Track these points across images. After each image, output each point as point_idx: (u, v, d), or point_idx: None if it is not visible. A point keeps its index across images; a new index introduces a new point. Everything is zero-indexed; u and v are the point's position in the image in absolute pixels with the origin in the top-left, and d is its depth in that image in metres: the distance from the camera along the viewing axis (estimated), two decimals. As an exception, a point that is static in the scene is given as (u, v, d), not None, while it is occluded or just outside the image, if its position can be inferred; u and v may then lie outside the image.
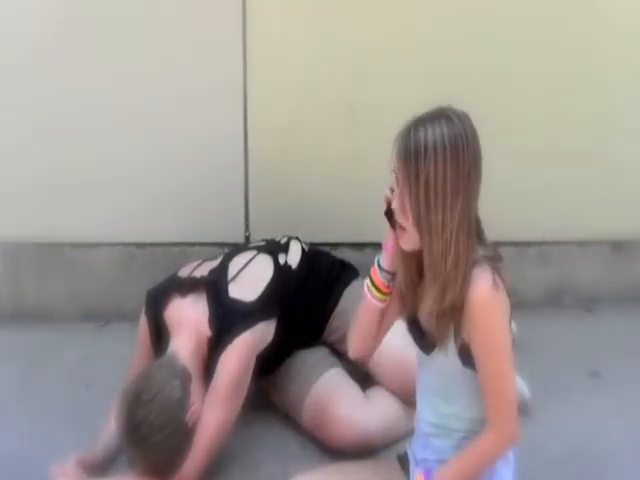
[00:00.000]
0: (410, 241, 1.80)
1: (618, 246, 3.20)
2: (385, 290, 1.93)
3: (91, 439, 2.42)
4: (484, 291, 1.75)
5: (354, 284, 2.65)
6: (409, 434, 2.17)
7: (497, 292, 1.76)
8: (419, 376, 1.97)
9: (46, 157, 3.00)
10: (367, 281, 1.95)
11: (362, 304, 1.98)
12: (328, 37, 2.92)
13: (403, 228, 1.80)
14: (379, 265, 1.93)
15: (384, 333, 2.01)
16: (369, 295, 1.95)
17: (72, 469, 2.32)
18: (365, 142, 3.00)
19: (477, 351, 1.78)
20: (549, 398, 2.61)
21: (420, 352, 1.92)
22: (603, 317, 3.13)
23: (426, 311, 1.81)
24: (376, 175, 2.98)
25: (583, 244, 3.18)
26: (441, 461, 1.93)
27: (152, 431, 2.19)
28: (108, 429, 2.39)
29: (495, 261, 1.79)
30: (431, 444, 1.95)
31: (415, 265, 1.84)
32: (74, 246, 3.10)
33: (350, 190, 3.05)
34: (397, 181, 1.78)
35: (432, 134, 1.73)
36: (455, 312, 1.77)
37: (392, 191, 1.82)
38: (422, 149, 1.72)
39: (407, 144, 1.75)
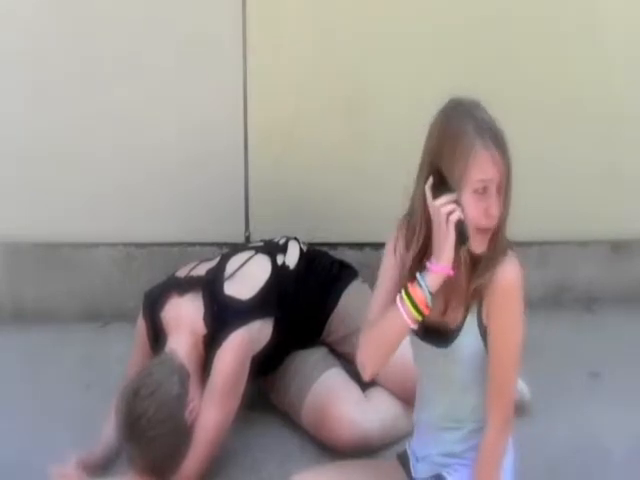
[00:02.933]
0: (485, 243, 1.78)
1: (618, 246, 3.20)
2: (425, 310, 1.79)
3: (91, 439, 2.42)
4: (515, 274, 1.77)
5: (353, 284, 2.65)
6: (409, 434, 2.17)
7: (522, 281, 1.78)
8: (426, 374, 1.96)
9: (46, 157, 3.00)
10: (403, 299, 1.80)
11: (387, 325, 1.85)
12: (328, 36, 2.92)
13: (486, 233, 1.77)
14: (427, 288, 1.78)
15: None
16: (405, 315, 1.79)
17: (72, 469, 2.32)
18: (365, 142, 3.01)
19: (495, 329, 1.79)
20: (549, 398, 2.61)
21: (429, 347, 1.89)
22: (603, 317, 3.13)
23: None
24: (376, 175, 3.02)
25: (583, 244, 3.18)
26: (445, 454, 1.94)
27: (150, 426, 2.19)
28: (108, 429, 2.39)
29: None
30: (436, 437, 1.95)
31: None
32: (74, 246, 3.10)
33: (350, 190, 3.05)
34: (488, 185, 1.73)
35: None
36: (480, 293, 1.78)
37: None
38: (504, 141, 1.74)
39: (499, 134, 1.74)
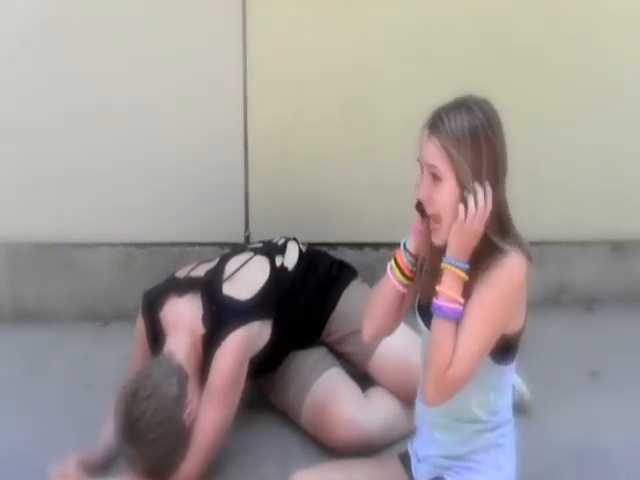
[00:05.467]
0: (444, 236, 1.80)
1: (618, 246, 3.20)
2: (408, 273, 1.91)
3: (91, 439, 2.42)
4: (518, 266, 1.78)
5: (353, 285, 2.65)
6: (409, 434, 2.17)
7: (524, 277, 1.78)
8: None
9: (46, 157, 3.00)
10: (391, 263, 1.93)
11: (380, 287, 1.96)
12: (328, 36, 2.92)
13: (435, 221, 1.80)
14: (405, 247, 1.91)
15: (401, 319, 2.00)
16: (392, 277, 1.92)
17: (72, 469, 2.32)
18: (365, 142, 3.01)
19: (472, 301, 1.78)
20: (549, 398, 2.62)
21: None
22: (603, 317, 3.13)
23: None
24: (376, 175, 3.02)
25: (583, 244, 3.18)
26: (446, 456, 1.94)
27: (149, 428, 2.19)
28: (107, 429, 2.39)
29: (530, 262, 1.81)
30: (436, 439, 1.95)
31: (439, 254, 1.83)
32: (74, 246, 3.10)
33: (350, 190, 3.05)
34: (436, 171, 1.77)
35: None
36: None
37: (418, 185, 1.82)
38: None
39: (461, 127, 1.76)
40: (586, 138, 3.06)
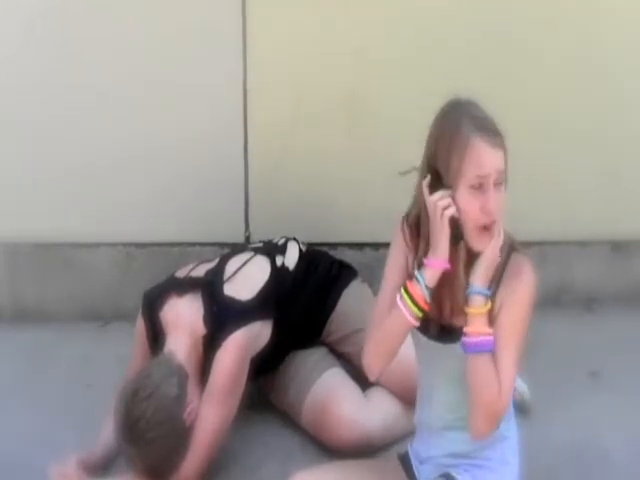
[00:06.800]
0: (486, 241, 1.77)
1: (618, 246, 3.20)
2: (424, 306, 1.80)
3: (91, 439, 2.42)
4: (532, 274, 1.78)
5: (353, 285, 2.65)
6: (409, 434, 2.17)
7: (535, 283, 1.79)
8: (432, 373, 1.95)
9: (46, 157, 3.00)
10: (403, 297, 1.81)
11: (390, 323, 1.85)
12: (328, 33, 2.92)
13: (488, 230, 1.76)
14: (424, 284, 1.79)
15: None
16: (406, 312, 1.81)
17: (72, 469, 2.32)
18: (365, 143, 3.01)
19: (502, 326, 1.77)
20: (549, 398, 2.61)
21: (437, 345, 1.88)
22: (603, 317, 3.13)
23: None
24: (376, 175, 3.02)
25: (583, 244, 3.18)
26: (452, 455, 1.93)
27: (149, 428, 2.19)
28: (107, 429, 2.39)
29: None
30: (445, 438, 1.93)
31: (447, 280, 1.81)
32: (74, 246, 3.10)
33: (350, 190, 3.05)
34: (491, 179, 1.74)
35: None
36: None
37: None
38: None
39: (493, 129, 1.74)
40: (586, 138, 3.06)
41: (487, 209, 1.74)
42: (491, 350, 1.76)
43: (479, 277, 1.77)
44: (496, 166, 1.73)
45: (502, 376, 1.75)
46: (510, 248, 1.80)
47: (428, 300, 1.80)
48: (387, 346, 1.88)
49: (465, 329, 1.78)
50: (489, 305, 1.77)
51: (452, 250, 1.78)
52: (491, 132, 1.73)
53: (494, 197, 1.73)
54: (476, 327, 1.76)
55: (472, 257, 1.79)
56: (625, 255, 3.21)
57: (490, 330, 1.76)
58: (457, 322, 1.84)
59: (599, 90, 3.02)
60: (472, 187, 1.73)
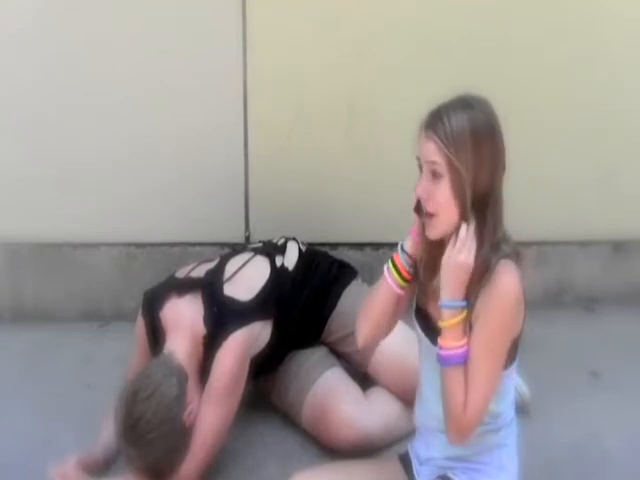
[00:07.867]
0: (438, 231, 1.81)
1: (618, 246, 3.20)
2: (406, 275, 1.91)
3: (91, 439, 2.42)
4: (512, 284, 1.77)
5: (353, 285, 2.65)
6: (409, 434, 2.17)
7: (520, 289, 1.78)
8: (426, 373, 1.96)
9: (46, 157, 3.00)
10: (388, 264, 1.93)
11: (377, 288, 1.95)
12: (329, 33, 2.92)
13: (431, 216, 1.80)
14: (402, 248, 1.92)
15: (395, 322, 2.00)
16: (389, 278, 1.92)
17: (71, 469, 2.32)
18: (365, 143, 3.01)
19: (475, 340, 1.77)
20: (549, 398, 2.62)
21: (429, 345, 1.90)
22: (603, 317, 3.13)
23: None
24: (376, 175, 3.02)
25: (583, 244, 3.18)
26: (450, 458, 1.94)
27: (149, 428, 2.19)
28: (107, 429, 2.39)
29: (519, 260, 1.81)
30: (439, 439, 1.93)
31: (437, 255, 1.83)
32: (74, 246, 3.10)
33: (350, 190, 3.05)
34: (436, 168, 1.77)
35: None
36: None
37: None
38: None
39: (461, 125, 1.76)
40: (587, 138, 3.06)
41: (416, 192, 1.81)
42: (461, 363, 1.78)
43: (445, 289, 1.79)
44: (425, 156, 1.78)
45: (471, 393, 1.76)
46: (499, 256, 1.79)
47: (407, 267, 1.90)
48: (375, 312, 1.95)
49: (439, 340, 1.80)
50: (463, 315, 1.78)
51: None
52: (430, 125, 1.77)
53: (424, 183, 1.79)
54: (446, 341, 1.79)
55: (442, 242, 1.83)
56: (625, 255, 3.21)
57: (462, 342, 1.78)
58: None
59: (599, 90, 3.02)
60: (419, 169, 1.81)
